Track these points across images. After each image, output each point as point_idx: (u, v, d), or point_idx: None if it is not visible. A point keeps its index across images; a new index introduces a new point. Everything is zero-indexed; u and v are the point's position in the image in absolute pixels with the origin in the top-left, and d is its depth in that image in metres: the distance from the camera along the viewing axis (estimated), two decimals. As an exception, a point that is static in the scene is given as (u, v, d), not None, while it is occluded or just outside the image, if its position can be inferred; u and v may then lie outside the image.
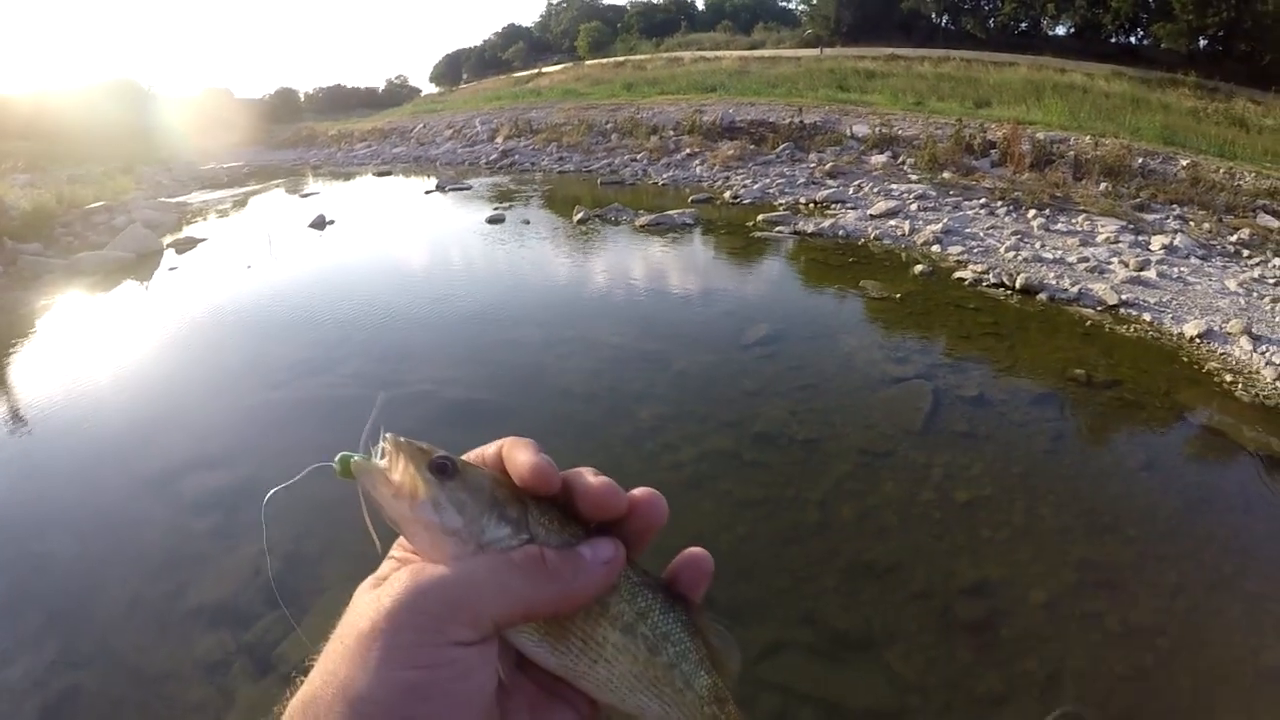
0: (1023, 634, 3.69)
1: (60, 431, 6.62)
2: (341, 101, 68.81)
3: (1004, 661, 3.54)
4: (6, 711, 3.60)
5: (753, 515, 4.66)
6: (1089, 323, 7.64)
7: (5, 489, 5.70)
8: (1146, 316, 7.70)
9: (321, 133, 40.75)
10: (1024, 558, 4.21)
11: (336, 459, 0.56)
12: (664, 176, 18.48)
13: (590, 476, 0.56)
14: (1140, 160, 15.37)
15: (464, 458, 0.58)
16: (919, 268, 9.67)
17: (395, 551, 0.59)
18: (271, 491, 0.66)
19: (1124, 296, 8.18)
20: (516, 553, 0.52)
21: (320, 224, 15.49)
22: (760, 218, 12.95)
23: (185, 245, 14.47)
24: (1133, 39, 31.73)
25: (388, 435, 0.56)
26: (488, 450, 0.59)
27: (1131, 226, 11.34)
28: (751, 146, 19.71)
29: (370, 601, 0.50)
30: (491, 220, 14.59)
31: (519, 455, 0.55)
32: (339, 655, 0.49)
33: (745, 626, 3.72)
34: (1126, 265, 9.36)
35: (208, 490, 5.28)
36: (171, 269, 12.73)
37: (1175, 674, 3.44)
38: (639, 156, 20.95)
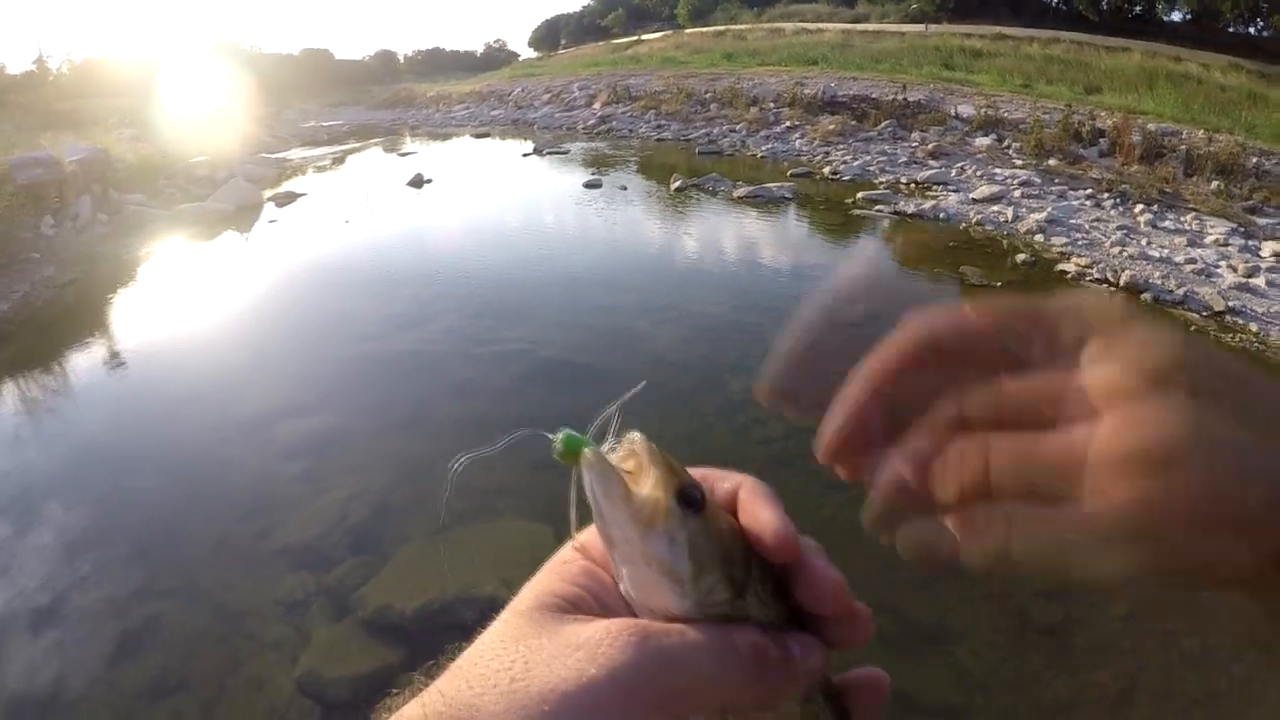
0: (1098, 644, 3.53)
1: (158, 374, 6.73)
2: (440, 64, 69.71)
3: (1075, 670, 3.41)
4: (88, 633, 3.69)
5: (840, 498, 4.44)
6: (1192, 327, 7.17)
7: (103, 426, 5.82)
8: (1253, 326, 7.22)
9: (420, 94, 41.16)
10: (1109, 566, 3.96)
11: (559, 437, 0.45)
12: (762, 149, 18.03)
13: (823, 563, 0.46)
14: (1255, 160, 14.37)
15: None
16: (1021, 256, 9.24)
17: (581, 537, 0.50)
18: (463, 457, 0.55)
19: (1231, 303, 7.66)
20: (740, 638, 0.42)
21: (418, 182, 15.53)
22: (860, 195, 12.48)
23: (285, 200, 14.67)
24: (1252, 29, 29.82)
25: (638, 437, 0.46)
26: (717, 484, 0.49)
27: (1242, 229, 10.65)
28: (853, 122, 19.13)
29: (571, 657, 0.39)
30: (589, 185, 14.43)
31: (761, 512, 0.46)
32: (509, 699, 0.38)
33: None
34: (1235, 270, 8.77)
35: (298, 437, 5.29)
36: (271, 222, 12.93)
37: (1249, 702, 3.26)
38: (738, 127, 20.50)
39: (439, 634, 3.56)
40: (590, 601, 0.44)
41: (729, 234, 10.99)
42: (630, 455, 0.45)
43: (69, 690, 3.39)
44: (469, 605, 3.63)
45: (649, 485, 0.43)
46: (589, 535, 0.49)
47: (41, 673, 3.48)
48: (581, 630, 0.41)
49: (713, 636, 0.41)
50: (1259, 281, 8.39)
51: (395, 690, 0.46)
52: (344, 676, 3.34)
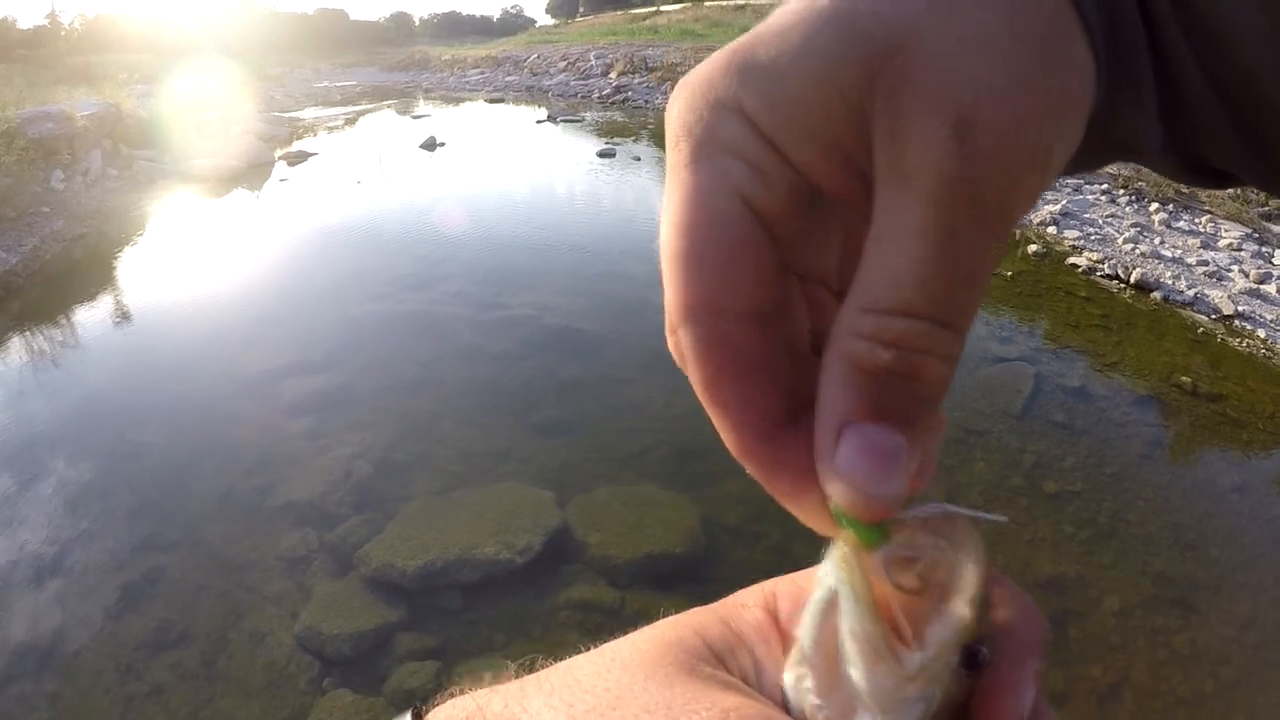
0: (1091, 638, 3.55)
1: (165, 329, 6.75)
2: (456, 28, 69.34)
3: (1068, 662, 3.41)
4: (91, 585, 3.71)
5: None
6: (1200, 329, 7.10)
7: (110, 380, 5.83)
8: (1261, 333, 7.14)
9: (435, 57, 40.94)
10: (1104, 560, 4.02)
11: (850, 523, 0.28)
12: (779, 123, 17.91)
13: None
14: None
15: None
16: (1032, 248, 9.16)
17: (780, 589, 0.37)
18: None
19: (1240, 308, 7.58)
20: None
21: (431, 145, 15.48)
22: (877, 173, 12.43)
23: (296, 158, 14.63)
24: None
25: (970, 547, 0.30)
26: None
27: (1256, 235, 10.53)
28: (871, 98, 19.00)
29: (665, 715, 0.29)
30: (602, 154, 14.34)
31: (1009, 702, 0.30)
32: None
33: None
34: (1246, 275, 8.67)
35: (304, 394, 5.29)
36: (282, 180, 12.91)
37: (1233, 707, 3.27)
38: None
39: (439, 593, 3.57)
40: (746, 664, 0.33)
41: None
42: (937, 564, 0.30)
43: (71, 641, 3.41)
44: (470, 566, 3.63)
45: (941, 633, 0.29)
46: (785, 586, 0.37)
47: (44, 623, 3.49)
48: (703, 694, 0.30)
49: None
50: (1269, 288, 8.32)
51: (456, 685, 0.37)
52: (344, 633, 3.34)
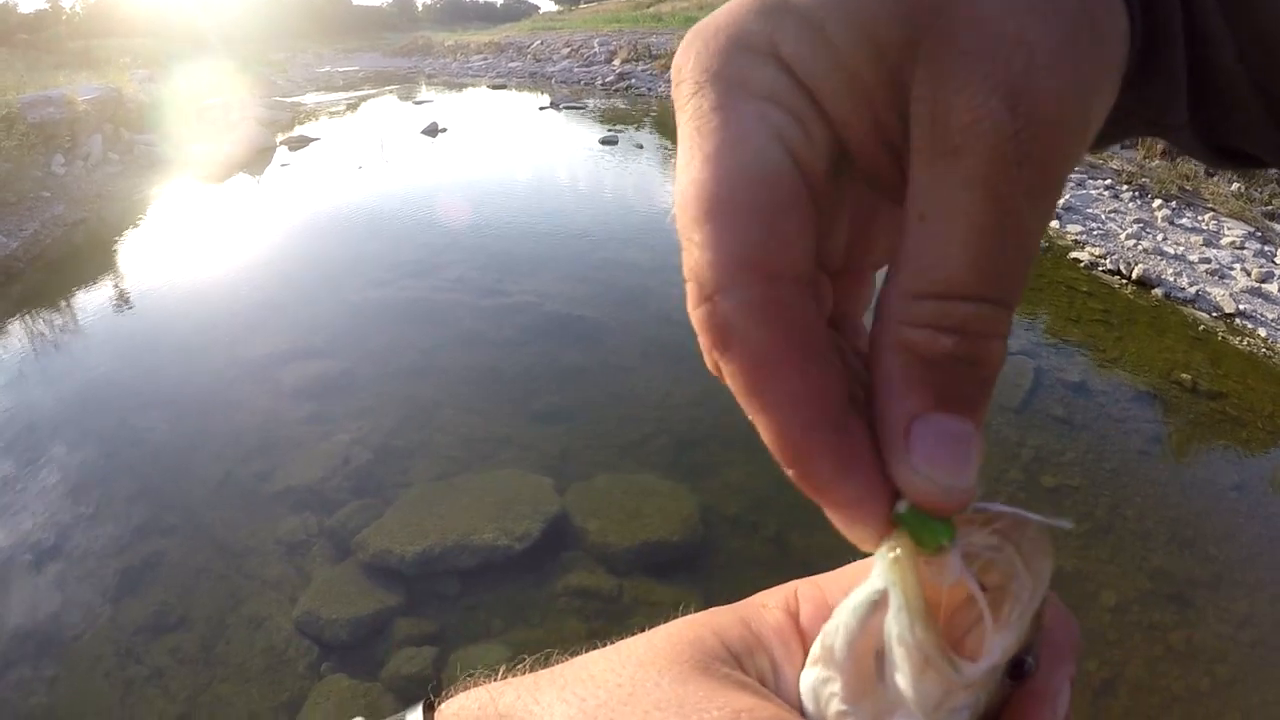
0: (1087, 633, 3.52)
1: (165, 314, 6.75)
2: (459, 13, 69.12)
3: None
4: (91, 568, 3.72)
5: None
6: (1201, 327, 7.10)
7: (110, 365, 5.83)
8: (1262, 332, 7.13)
9: (438, 43, 40.84)
10: (1101, 555, 4.03)
11: (911, 521, 0.26)
12: (782, 112, 17.87)
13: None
14: (1278, 165, 14.27)
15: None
16: (1033, 242, 9.17)
17: (802, 591, 0.34)
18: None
19: (1241, 306, 7.58)
20: None
21: (433, 131, 15.43)
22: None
23: (297, 144, 14.60)
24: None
25: (1036, 553, 0.29)
26: None
27: (1259, 234, 10.50)
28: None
29: (674, 713, 0.28)
30: (605, 141, 14.32)
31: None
32: None
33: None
34: (1249, 274, 8.66)
35: (304, 380, 5.29)
36: (283, 165, 12.89)
37: (1228, 704, 3.27)
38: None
39: (438, 579, 3.58)
40: (765, 666, 0.32)
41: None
42: (996, 567, 0.28)
43: (70, 625, 3.42)
44: (468, 552, 3.63)
45: (1001, 644, 0.28)
46: (807, 589, 0.35)
47: (43, 607, 3.50)
48: (716, 693, 0.29)
49: None
50: (1271, 287, 8.30)
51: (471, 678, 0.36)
52: (342, 618, 3.35)
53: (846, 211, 0.30)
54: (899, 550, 0.26)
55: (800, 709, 0.30)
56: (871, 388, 0.26)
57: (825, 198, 0.26)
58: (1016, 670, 0.28)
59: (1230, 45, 0.28)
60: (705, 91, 0.25)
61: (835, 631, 0.28)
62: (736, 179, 0.24)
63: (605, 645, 0.33)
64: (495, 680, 0.34)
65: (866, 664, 0.28)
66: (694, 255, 0.25)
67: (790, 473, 0.25)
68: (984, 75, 0.22)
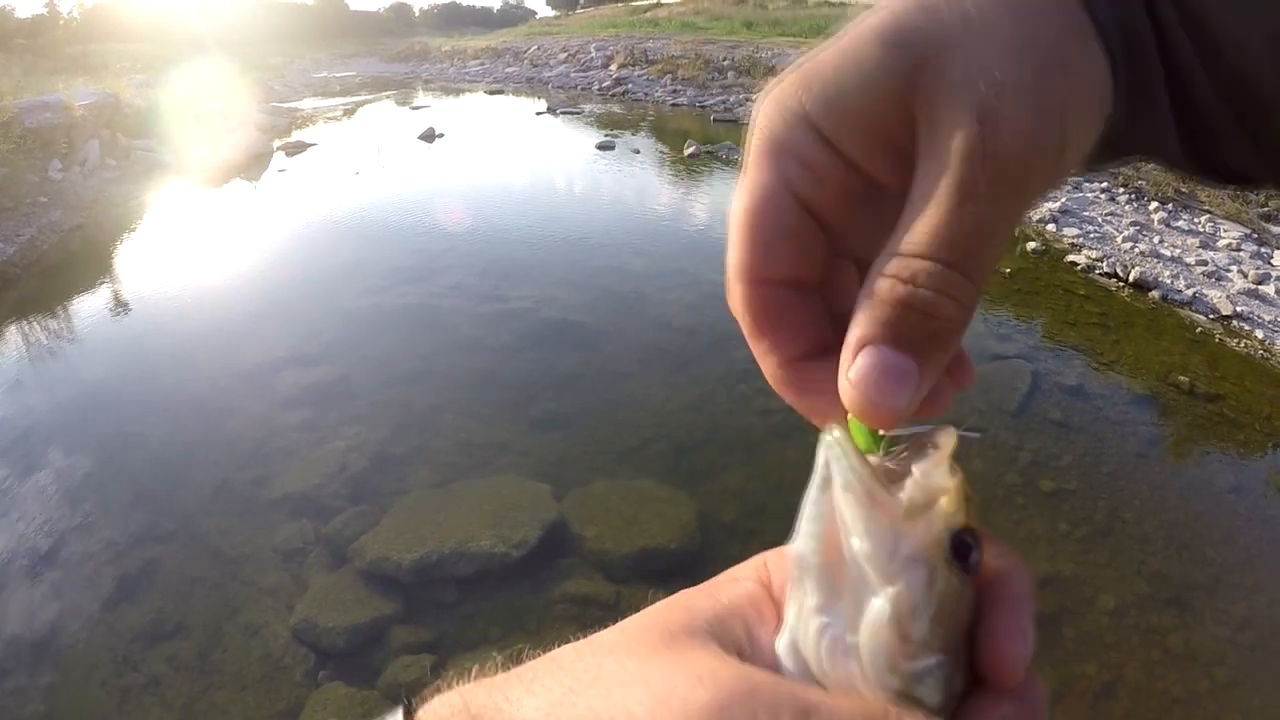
0: (1085, 636, 3.55)
1: (162, 321, 6.74)
2: (456, 19, 69.23)
3: (1062, 661, 3.41)
4: (87, 576, 3.71)
5: None
6: (1198, 329, 7.11)
7: (106, 372, 5.83)
8: (1259, 333, 7.13)
9: (435, 48, 40.81)
10: (1099, 559, 4.03)
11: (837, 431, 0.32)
12: (779, 117, 17.88)
13: (1011, 634, 0.32)
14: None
15: None
16: (1031, 244, 9.16)
17: (771, 561, 0.38)
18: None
19: (1238, 308, 7.59)
20: None
21: (430, 136, 15.41)
22: (876, 172, 12.43)
23: (295, 149, 14.60)
24: None
25: (949, 434, 0.33)
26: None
27: (1255, 236, 10.51)
28: (871, 95, 18.97)
29: (641, 686, 0.30)
30: (602, 146, 14.31)
31: (1010, 638, 0.31)
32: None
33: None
34: (1245, 276, 8.67)
35: (300, 386, 5.28)
36: (280, 171, 12.89)
37: (1227, 707, 3.27)
38: (755, 96, 20.18)
39: (435, 586, 3.58)
40: (739, 634, 0.33)
41: (741, 201, 10.86)
42: (918, 453, 0.32)
43: (66, 632, 3.41)
44: (465, 559, 3.63)
45: (939, 495, 0.31)
46: (776, 559, 0.38)
47: (40, 614, 3.49)
48: (681, 662, 0.31)
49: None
50: (1268, 289, 8.32)
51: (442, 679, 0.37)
52: (339, 625, 3.34)
53: (886, 221, 0.35)
54: (838, 430, 0.32)
55: (778, 670, 0.32)
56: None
57: (848, 224, 0.36)
58: (961, 550, 0.31)
59: (1208, 84, 0.34)
60: (754, 145, 0.35)
61: (800, 535, 0.32)
62: (749, 216, 0.35)
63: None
64: (468, 682, 0.35)
65: (835, 556, 0.31)
66: (726, 259, 0.36)
67: (781, 395, 0.36)
68: (963, 98, 0.29)
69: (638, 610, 0.36)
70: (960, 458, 0.32)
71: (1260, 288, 8.34)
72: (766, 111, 0.35)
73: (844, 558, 0.31)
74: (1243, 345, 6.87)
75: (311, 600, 3.52)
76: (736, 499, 4.18)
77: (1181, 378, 5.96)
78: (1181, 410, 5.59)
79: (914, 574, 0.30)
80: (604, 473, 4.38)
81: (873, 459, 0.32)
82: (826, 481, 0.32)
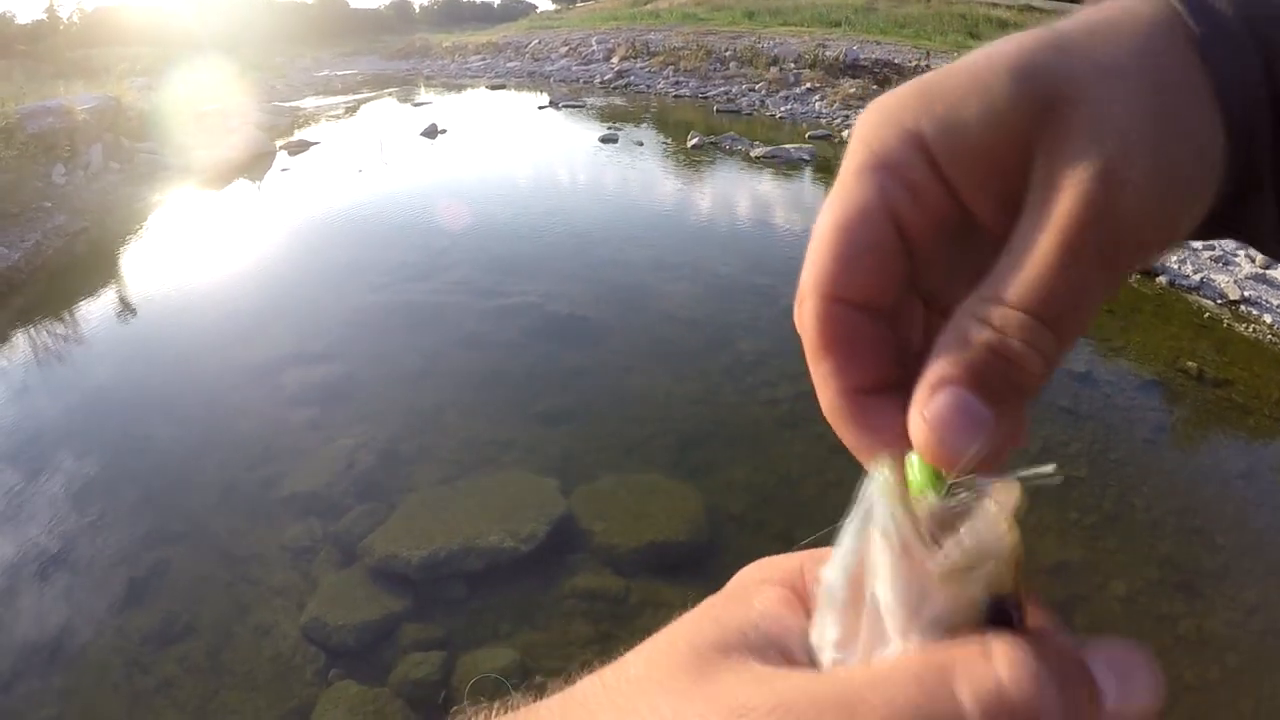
0: (1097, 623, 3.54)
1: (168, 322, 6.76)
2: (456, 15, 69.14)
3: None
4: (97, 578, 3.72)
5: (843, 462, 4.46)
6: (1206, 314, 7.07)
7: (113, 374, 5.84)
8: (1267, 318, 7.09)
9: (435, 44, 40.76)
10: (1110, 545, 4.01)
11: (911, 461, 0.31)
12: (781, 109, 17.85)
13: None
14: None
15: None
16: (1039, 231, 9.15)
17: (807, 567, 0.36)
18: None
19: (1246, 293, 7.53)
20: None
21: (432, 133, 15.42)
22: (880, 159, 12.40)
23: (297, 148, 14.61)
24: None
25: (1009, 491, 0.29)
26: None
27: None
28: (874, 87, 18.79)
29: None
30: (604, 139, 14.31)
31: None
32: None
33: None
34: (1253, 261, 8.60)
35: (307, 385, 5.28)
36: (283, 170, 12.89)
37: (1239, 693, 3.26)
38: (757, 87, 20.24)
39: (444, 583, 3.57)
40: (776, 641, 0.32)
41: (744, 194, 10.88)
42: (978, 502, 0.29)
43: (77, 635, 3.42)
44: (474, 555, 3.63)
45: (986, 560, 0.28)
46: (809, 561, 0.36)
47: (51, 618, 3.50)
48: (713, 696, 0.29)
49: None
50: (1276, 274, 8.25)
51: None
52: (349, 624, 3.35)
53: (974, 272, 0.33)
54: (889, 470, 0.30)
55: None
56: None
57: (934, 257, 0.34)
58: (998, 614, 0.28)
59: None
60: (856, 153, 0.33)
61: (833, 563, 0.31)
62: (836, 229, 0.33)
63: (614, 650, 0.33)
64: (491, 716, 0.34)
65: (860, 597, 0.29)
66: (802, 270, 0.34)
67: (832, 425, 0.34)
68: (1090, 153, 0.28)
69: (646, 604, 0.35)
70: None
71: (1268, 272, 8.29)
72: (874, 124, 0.33)
73: (866, 600, 0.29)
74: (1251, 330, 6.83)
75: (321, 599, 3.52)
76: (744, 491, 4.18)
77: (1190, 363, 5.92)
78: (1190, 396, 5.57)
79: (932, 636, 0.28)
80: (611, 467, 4.37)
81: (931, 498, 0.30)
82: (868, 516, 0.30)
